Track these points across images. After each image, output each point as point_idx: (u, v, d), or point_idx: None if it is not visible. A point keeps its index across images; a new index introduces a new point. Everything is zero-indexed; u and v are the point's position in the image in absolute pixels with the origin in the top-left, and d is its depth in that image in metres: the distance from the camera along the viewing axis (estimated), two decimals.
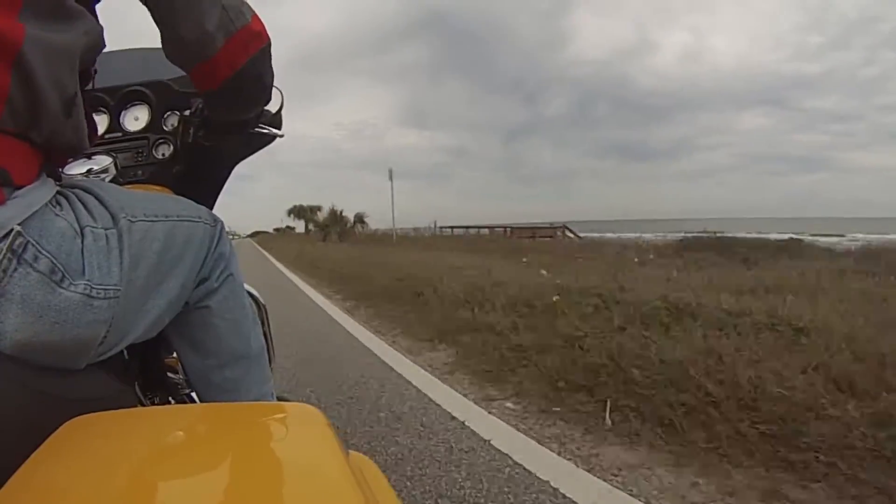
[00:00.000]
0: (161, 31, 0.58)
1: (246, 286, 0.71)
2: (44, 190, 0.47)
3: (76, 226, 0.47)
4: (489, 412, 2.16)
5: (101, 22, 0.54)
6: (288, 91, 0.86)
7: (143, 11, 0.58)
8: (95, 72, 0.57)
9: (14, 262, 0.42)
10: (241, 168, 0.98)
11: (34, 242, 0.43)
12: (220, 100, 0.66)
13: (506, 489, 1.53)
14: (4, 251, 0.41)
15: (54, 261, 0.44)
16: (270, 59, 0.65)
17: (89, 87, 0.57)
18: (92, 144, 0.58)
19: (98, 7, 0.54)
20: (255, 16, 0.61)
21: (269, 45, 0.63)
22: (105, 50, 0.57)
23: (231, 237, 0.67)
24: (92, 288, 0.46)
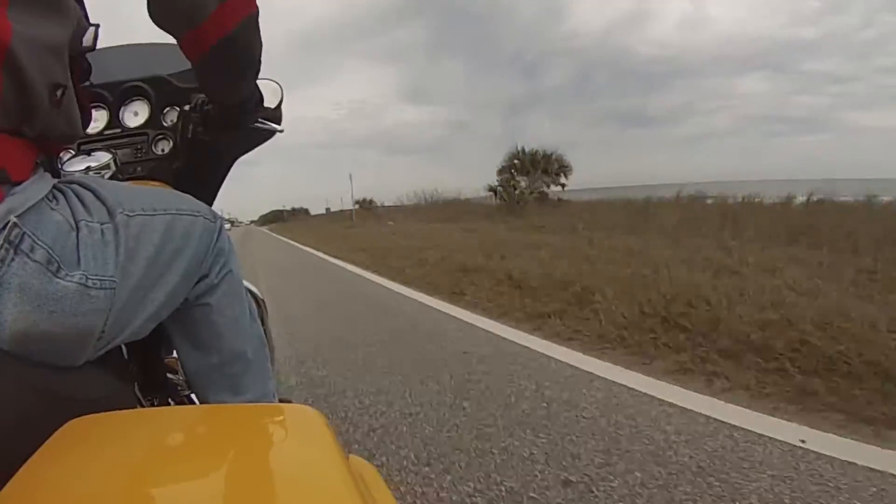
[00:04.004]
0: (149, 1, 0.58)
1: (245, 283, 0.71)
2: (41, 185, 0.47)
3: (71, 220, 0.47)
4: None
5: (96, 13, 0.55)
6: (286, 73, 0.84)
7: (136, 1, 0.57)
8: (89, 63, 0.57)
9: (11, 252, 0.42)
10: (244, 156, 0.98)
11: (30, 234, 0.43)
12: (209, 69, 0.67)
13: None
14: (1, 242, 0.42)
15: (51, 252, 0.44)
16: (258, 27, 0.65)
17: (86, 82, 0.57)
18: (90, 139, 0.57)
19: None
20: None
21: (258, 12, 0.63)
22: (103, 45, 0.56)
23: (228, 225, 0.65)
24: (88, 278, 0.46)
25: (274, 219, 67.78)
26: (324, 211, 50.62)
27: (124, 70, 0.91)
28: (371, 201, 34.66)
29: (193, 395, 0.71)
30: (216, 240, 0.63)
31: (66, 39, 0.50)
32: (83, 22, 0.53)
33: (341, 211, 42.74)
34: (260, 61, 0.70)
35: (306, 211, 58.63)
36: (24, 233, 0.43)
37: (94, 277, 0.46)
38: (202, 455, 0.38)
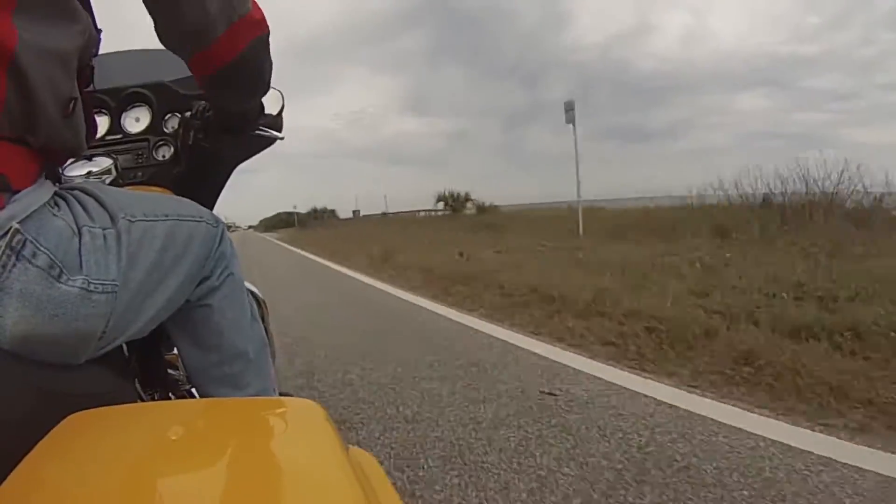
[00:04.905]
0: (157, 19, 0.57)
1: (246, 284, 0.71)
2: (42, 191, 0.48)
3: (74, 226, 0.47)
4: None
5: (98, 16, 0.54)
6: (286, 82, 0.85)
7: (140, 5, 0.56)
8: (93, 70, 0.57)
9: (13, 258, 0.42)
10: (244, 163, 0.97)
11: (32, 240, 0.44)
12: (217, 87, 0.66)
13: None
14: (3, 248, 0.42)
15: (52, 257, 0.44)
16: (269, 48, 0.65)
17: (89, 87, 0.57)
18: (90, 145, 0.58)
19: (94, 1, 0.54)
20: (255, 4, 0.61)
21: (268, 34, 0.63)
22: (105, 51, 0.57)
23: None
24: (90, 282, 0.46)
25: (280, 223, 53.04)
26: (350, 214, 39.52)
27: (126, 76, 0.91)
28: (465, 196, 21.24)
29: (194, 391, 0.71)
30: (218, 244, 0.63)
31: (76, 49, 0.49)
32: (93, 31, 0.53)
33: (385, 214, 30.97)
34: (269, 82, 0.70)
35: (332, 213, 44.36)
36: (26, 239, 0.43)
37: (95, 281, 0.47)
38: (202, 448, 0.38)
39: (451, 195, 21.05)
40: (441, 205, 22.74)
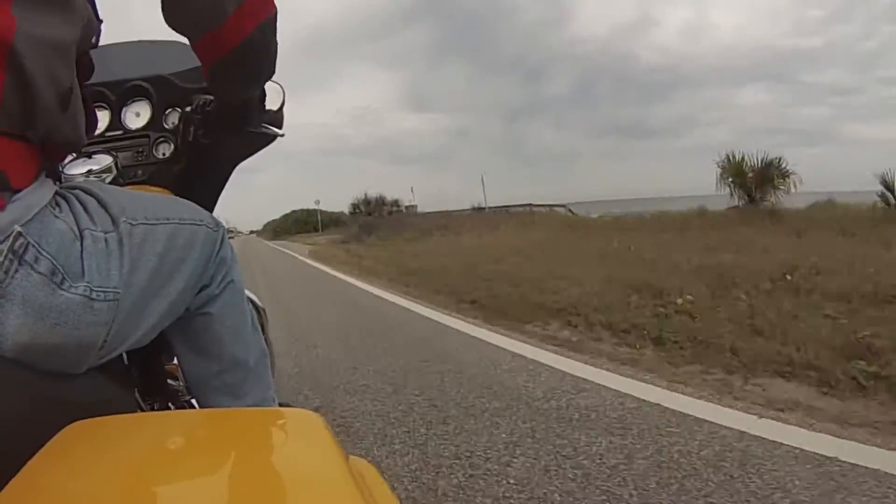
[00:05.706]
0: (165, 1, 0.56)
1: (246, 292, 0.70)
2: (43, 191, 0.47)
3: (75, 229, 0.47)
4: None
5: (102, 9, 0.54)
6: (289, 79, 0.84)
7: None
8: (92, 61, 0.56)
9: (15, 263, 0.42)
10: (243, 162, 0.96)
11: (34, 244, 0.43)
12: (225, 72, 0.65)
13: None
14: (5, 252, 0.41)
15: (54, 262, 0.44)
16: (276, 29, 0.63)
17: (89, 81, 0.56)
18: (90, 138, 0.57)
19: None
20: None
21: (276, 14, 0.62)
22: (105, 43, 0.56)
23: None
24: (92, 290, 0.45)
25: (295, 226, 40.40)
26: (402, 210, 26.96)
27: (126, 68, 0.89)
28: (777, 168, 8.26)
29: (194, 401, 0.71)
30: (218, 249, 0.62)
31: (74, 39, 0.48)
32: (93, 21, 0.52)
33: (481, 209, 18.27)
34: (275, 62, 0.68)
35: (395, 205, 27.88)
36: (29, 243, 0.42)
37: (98, 289, 0.46)
38: (203, 458, 0.38)
39: (755, 168, 9.09)
40: (726, 189, 9.45)
